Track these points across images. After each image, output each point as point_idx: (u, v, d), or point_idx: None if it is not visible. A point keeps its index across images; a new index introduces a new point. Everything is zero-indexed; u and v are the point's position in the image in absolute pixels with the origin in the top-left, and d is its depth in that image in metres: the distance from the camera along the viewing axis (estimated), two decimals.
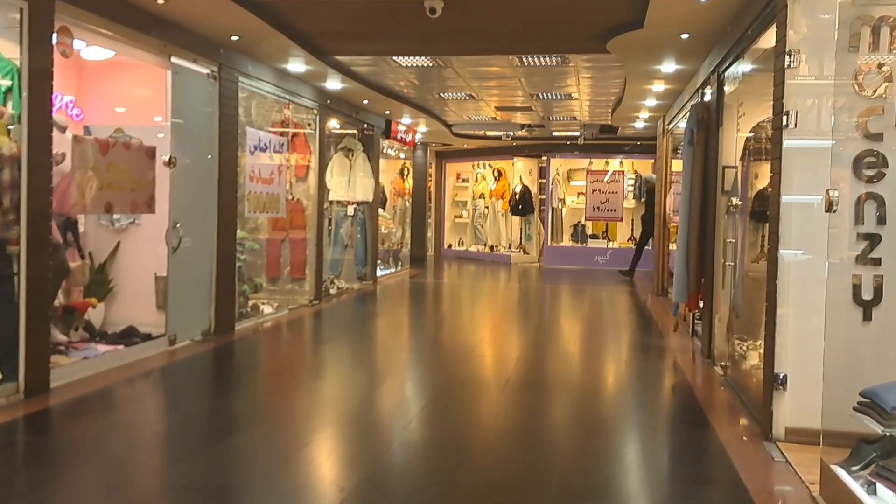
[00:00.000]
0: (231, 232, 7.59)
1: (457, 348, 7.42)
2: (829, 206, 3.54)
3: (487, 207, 18.04)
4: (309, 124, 9.74)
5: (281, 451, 4.12)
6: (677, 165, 11.03)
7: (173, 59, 6.59)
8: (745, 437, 4.36)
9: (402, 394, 5.64)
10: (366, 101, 10.68)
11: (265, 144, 8.32)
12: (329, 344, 7.89)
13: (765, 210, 7.02)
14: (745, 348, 5.55)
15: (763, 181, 6.98)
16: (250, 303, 8.34)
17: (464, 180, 18.98)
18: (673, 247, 11.35)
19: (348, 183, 11.82)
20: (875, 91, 4.15)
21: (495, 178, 17.82)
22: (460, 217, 19.00)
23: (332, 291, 10.61)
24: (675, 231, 11.45)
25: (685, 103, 9.09)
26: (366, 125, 11.82)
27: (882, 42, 4.03)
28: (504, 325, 9.21)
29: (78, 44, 5.72)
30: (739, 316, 6.41)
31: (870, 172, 4.15)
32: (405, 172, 16.29)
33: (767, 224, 6.99)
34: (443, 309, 10.82)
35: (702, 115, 7.01)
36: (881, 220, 4.12)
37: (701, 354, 6.88)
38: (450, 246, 18.93)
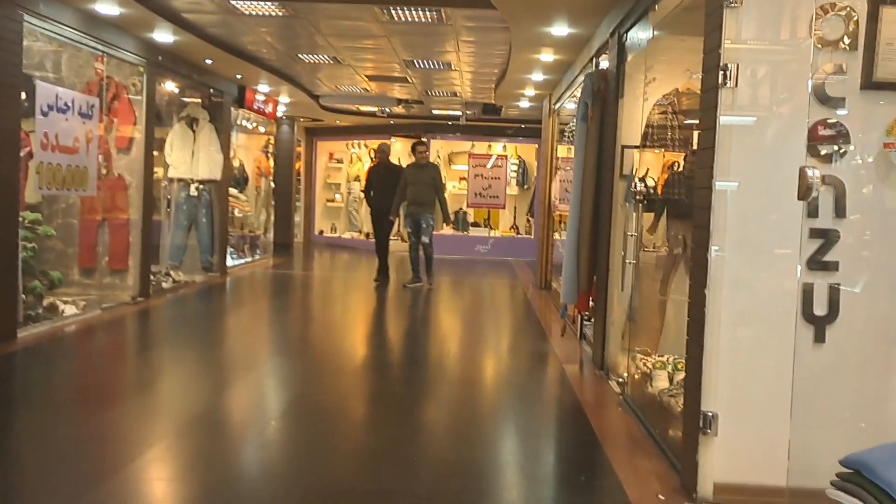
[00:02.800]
0: (11, 213, 5.87)
1: (312, 363, 6.06)
2: (806, 192, 2.48)
3: (363, 191, 16.64)
4: (134, 85, 8.03)
5: None
6: (563, 151, 10.15)
7: None
8: (661, 496, 3.30)
9: (231, 434, 4.25)
10: (209, 61, 9.05)
11: (66, 105, 6.60)
12: (142, 357, 6.31)
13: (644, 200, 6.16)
14: (649, 365, 4.55)
15: (642, 170, 6.09)
16: (46, 301, 6.63)
17: (337, 161, 17.49)
18: (557, 236, 10.49)
19: (191, 157, 10.15)
20: (836, 43, 3.16)
21: (372, 159, 16.44)
22: (333, 201, 17.51)
23: (166, 285, 8.95)
24: (560, 220, 10.63)
25: (574, 78, 8.11)
26: (212, 91, 10.15)
27: None
28: (374, 330, 7.93)
29: None
30: (634, 320, 5.49)
31: (826, 150, 3.16)
32: (269, 150, 14.65)
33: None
34: (300, 308, 9.40)
35: (598, 86, 5.98)
36: (840, 213, 3.15)
37: (592, 364, 5.90)
38: (321, 232, 17.42)
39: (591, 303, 6.16)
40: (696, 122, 5.52)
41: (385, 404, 4.85)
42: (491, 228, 15.79)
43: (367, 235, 16.44)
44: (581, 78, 7.76)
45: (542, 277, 10.56)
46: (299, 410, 4.59)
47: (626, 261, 4.96)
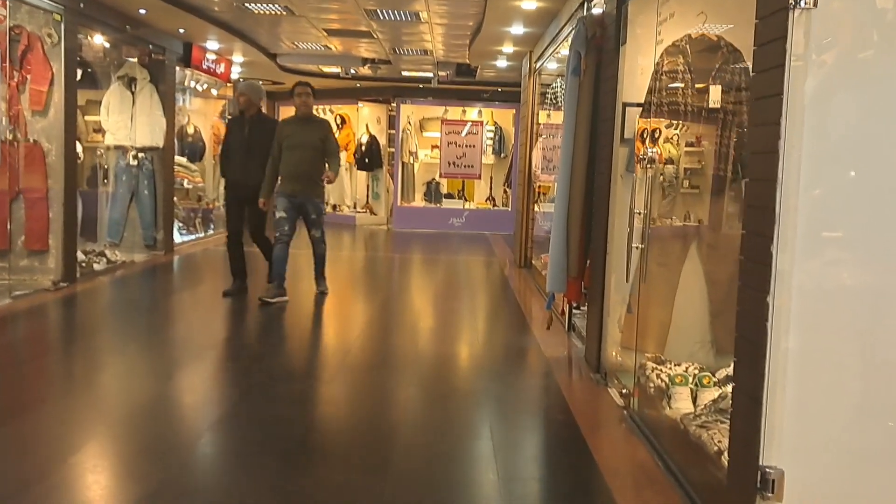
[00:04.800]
0: None
1: (251, 368, 5.09)
2: None
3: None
4: (50, 36, 6.87)
5: None
6: (545, 116, 9.19)
7: None
8: None
9: (139, 470, 3.28)
10: (143, 11, 7.89)
11: None
12: (44, 361, 5.27)
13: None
14: (664, 378, 3.64)
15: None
16: None
17: None
18: (539, 209, 9.57)
19: (131, 122, 9.02)
20: None
21: (338, 125, 15.29)
22: None
23: (98, 267, 7.89)
24: (541, 192, 9.70)
25: (560, 30, 7.12)
26: (152, 47, 8.98)
27: None
28: (332, 323, 6.96)
29: None
30: (632, 311, 4.62)
31: None
32: (227, 115, 13.53)
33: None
34: (251, 291, 8.38)
35: (592, 32, 5.01)
36: None
37: (585, 363, 5.01)
38: None
39: (583, 290, 5.26)
40: (712, 75, 4.60)
41: (333, 425, 3.92)
42: (466, 200, 14.81)
43: (334, 208, 15.37)
44: (568, 30, 6.78)
45: (521, 254, 9.65)
46: (227, 440, 3.63)
47: (634, 245, 4.03)
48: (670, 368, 3.68)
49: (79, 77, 8.12)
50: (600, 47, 4.95)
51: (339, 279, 9.23)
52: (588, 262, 5.14)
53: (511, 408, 4.25)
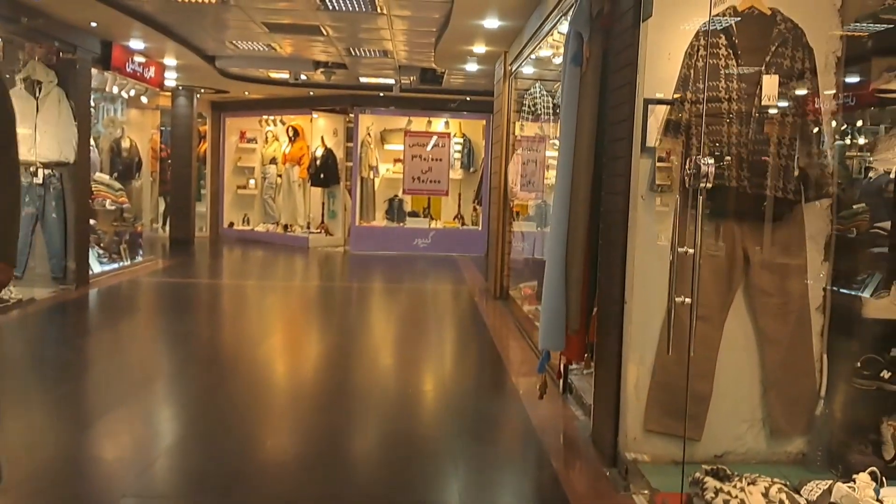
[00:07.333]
0: None
1: (159, 471, 3.74)
2: None
3: (280, 176, 14.20)
4: None
5: None
6: (519, 129, 8.01)
7: None
8: None
9: None
10: None
11: None
12: None
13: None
14: (732, 495, 2.39)
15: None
16: None
17: (250, 140, 14.95)
18: (517, 228, 8.37)
19: (34, 133, 7.59)
20: None
21: (290, 138, 13.98)
22: (245, 187, 14.98)
23: None
24: (519, 211, 8.51)
25: (543, 21, 5.92)
26: (58, 44, 7.58)
27: None
28: (260, 398, 5.61)
29: None
30: (659, 378, 3.46)
31: None
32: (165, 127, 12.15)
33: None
34: (163, 345, 6.98)
35: (598, 8, 3.81)
36: None
37: (594, 449, 3.76)
38: (231, 224, 14.88)
39: (587, 347, 4.03)
40: (765, 61, 3.44)
41: None
42: (431, 219, 13.56)
43: (286, 228, 14.01)
44: (553, 22, 5.60)
45: (497, 283, 8.40)
46: None
47: (676, 298, 2.79)
48: (741, 489, 2.44)
49: None
50: (609, 29, 3.75)
51: (282, 320, 7.85)
52: (595, 310, 3.92)
53: None
